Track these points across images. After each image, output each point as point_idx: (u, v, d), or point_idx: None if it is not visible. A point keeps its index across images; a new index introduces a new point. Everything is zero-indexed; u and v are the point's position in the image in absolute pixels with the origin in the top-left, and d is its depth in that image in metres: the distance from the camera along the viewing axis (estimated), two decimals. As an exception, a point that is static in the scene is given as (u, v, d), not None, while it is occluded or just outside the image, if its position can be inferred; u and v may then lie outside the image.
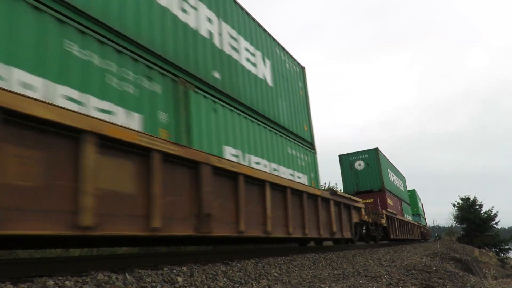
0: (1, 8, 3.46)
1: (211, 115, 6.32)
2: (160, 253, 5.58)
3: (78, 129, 3.08)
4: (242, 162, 6.70)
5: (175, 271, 3.72)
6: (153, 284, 3.22)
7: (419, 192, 42.12)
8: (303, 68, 11.36)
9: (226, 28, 7.57)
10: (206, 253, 5.28)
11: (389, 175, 21.65)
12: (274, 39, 9.75)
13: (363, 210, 11.18)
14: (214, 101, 6.44)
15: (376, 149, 19.90)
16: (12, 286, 2.50)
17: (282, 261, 5.65)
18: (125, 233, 3.38)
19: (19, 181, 2.69)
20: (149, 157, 3.69)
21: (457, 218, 42.83)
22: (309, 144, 10.29)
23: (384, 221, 14.59)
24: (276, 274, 4.75)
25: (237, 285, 3.87)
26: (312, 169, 10.07)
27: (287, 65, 10.27)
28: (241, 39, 8.11)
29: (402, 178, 26.96)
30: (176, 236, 4.11)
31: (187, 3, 6.40)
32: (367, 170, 19.63)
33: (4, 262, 3.12)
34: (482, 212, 40.61)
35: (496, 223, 40.50)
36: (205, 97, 6.23)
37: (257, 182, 5.57)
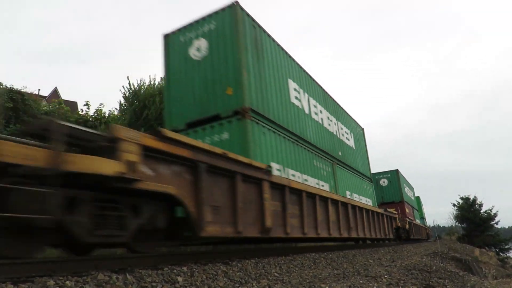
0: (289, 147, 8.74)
1: (341, 176, 12.18)
2: (160, 253, 5.58)
3: (313, 194, 7.81)
4: (352, 198, 12.07)
5: (175, 271, 3.72)
6: (154, 284, 3.22)
7: (418, 191, 44.29)
8: (363, 129, 17.32)
9: (339, 124, 13.58)
10: (206, 253, 5.28)
11: (405, 189, 27.66)
12: (352, 118, 15.69)
13: (397, 219, 17.00)
14: (340, 168, 12.28)
15: (397, 170, 26.32)
16: (12, 286, 2.50)
17: (282, 261, 5.66)
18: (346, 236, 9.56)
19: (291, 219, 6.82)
20: (347, 206, 9.72)
21: (457, 217, 42.84)
22: (369, 179, 16.43)
23: (407, 226, 20.35)
24: (276, 274, 4.75)
25: (237, 285, 3.88)
26: (372, 195, 16.08)
27: (357, 131, 16.08)
28: (344, 127, 14.10)
29: (412, 188, 32.81)
30: (343, 238, 9.64)
31: (329, 119, 12.36)
32: (389, 186, 25.60)
33: (4, 263, 3.12)
34: (482, 211, 40.61)
35: (496, 223, 40.54)
36: (339, 167, 12.10)
37: (363, 210, 11.22)
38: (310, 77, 11.34)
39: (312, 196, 7.67)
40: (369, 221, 11.68)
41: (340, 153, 12.50)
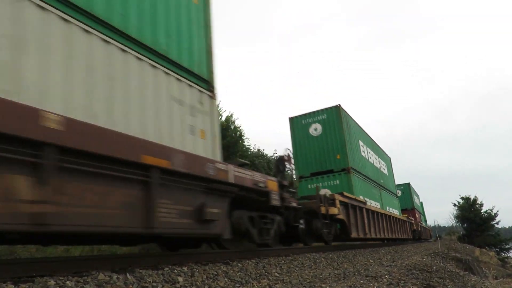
0: None
1: (383, 196, 17.16)
2: (161, 253, 5.58)
3: (378, 212, 14.40)
4: (390, 211, 17.24)
5: (176, 271, 3.72)
6: (154, 284, 3.22)
7: (419, 191, 47.00)
8: (390, 158, 22.51)
9: (380, 160, 18.80)
10: (206, 253, 5.29)
11: (415, 198, 34.39)
12: (384, 151, 20.82)
13: (413, 223, 23.01)
14: (382, 190, 17.30)
15: (409, 183, 33.13)
16: (13, 286, 2.50)
17: (283, 261, 5.65)
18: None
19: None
20: (390, 218, 15.94)
21: (458, 217, 42.79)
22: (395, 195, 21.52)
23: (419, 228, 25.82)
24: (277, 274, 4.75)
25: (237, 285, 3.88)
26: (398, 207, 20.82)
27: (387, 161, 21.41)
28: (382, 161, 19.47)
29: (418, 196, 38.91)
30: (389, 238, 15.81)
31: (375, 159, 17.62)
32: (403, 196, 30.25)
33: (5, 262, 3.13)
34: (482, 211, 40.55)
35: (497, 223, 40.45)
36: (382, 191, 17.38)
37: (397, 219, 17.27)
38: (366, 133, 17.05)
39: (377, 213, 13.79)
40: (400, 226, 18.03)
41: (382, 181, 18.08)
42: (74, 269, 3.30)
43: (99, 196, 3.20)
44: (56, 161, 2.84)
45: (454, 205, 43.00)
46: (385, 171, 20.10)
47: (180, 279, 3.52)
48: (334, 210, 9.31)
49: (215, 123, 5.28)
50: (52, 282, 2.66)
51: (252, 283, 4.00)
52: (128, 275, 3.22)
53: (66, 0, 3.39)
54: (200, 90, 5.12)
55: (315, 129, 13.68)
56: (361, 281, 4.51)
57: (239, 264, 4.72)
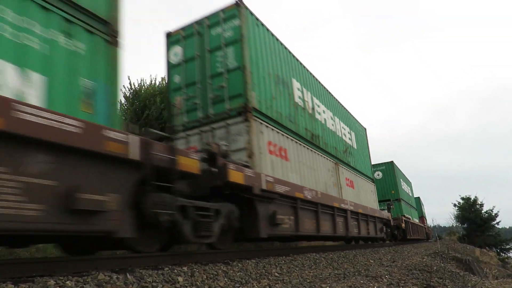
0: None
1: (411, 212, 26.91)
2: (161, 253, 5.57)
3: (411, 222, 26.26)
4: (415, 220, 28.84)
5: (176, 271, 3.72)
6: (154, 284, 3.21)
7: (420, 191, 53.54)
8: (411, 183, 30.60)
9: (407, 187, 28.71)
10: (207, 253, 5.28)
11: (423, 207, 40.13)
12: (409, 179, 30.41)
13: (426, 227, 34.31)
14: (409, 207, 26.63)
15: (419, 197, 37.46)
16: (13, 286, 2.50)
17: (283, 261, 5.65)
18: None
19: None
20: (416, 225, 28.53)
21: (458, 217, 42.73)
22: (415, 208, 30.57)
23: (428, 231, 34.70)
24: (277, 274, 4.75)
25: (237, 285, 3.87)
26: (417, 216, 29.31)
27: (411, 186, 31.08)
28: (408, 187, 28.68)
29: (423, 205, 42.60)
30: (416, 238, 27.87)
31: (405, 186, 27.03)
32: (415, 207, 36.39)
33: (5, 262, 3.13)
34: (483, 212, 40.49)
35: (497, 223, 40.40)
36: (410, 208, 26.84)
37: (419, 225, 30.12)
38: (403, 173, 25.64)
39: (413, 223, 24.41)
40: (421, 230, 27.83)
41: (410, 201, 25.50)
42: (74, 269, 3.30)
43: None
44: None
45: (455, 205, 42.97)
46: (410, 194, 28.62)
47: (180, 279, 3.51)
48: (403, 225, 19.50)
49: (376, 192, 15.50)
50: (52, 282, 2.66)
51: (252, 283, 3.99)
52: (128, 275, 3.22)
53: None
54: (371, 182, 14.84)
55: (378, 174, 22.11)
56: (361, 281, 4.50)
57: (239, 264, 4.71)
